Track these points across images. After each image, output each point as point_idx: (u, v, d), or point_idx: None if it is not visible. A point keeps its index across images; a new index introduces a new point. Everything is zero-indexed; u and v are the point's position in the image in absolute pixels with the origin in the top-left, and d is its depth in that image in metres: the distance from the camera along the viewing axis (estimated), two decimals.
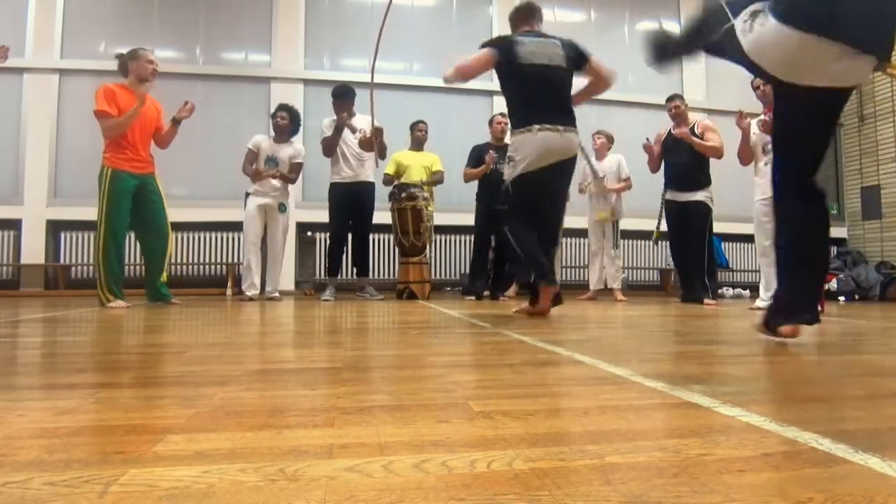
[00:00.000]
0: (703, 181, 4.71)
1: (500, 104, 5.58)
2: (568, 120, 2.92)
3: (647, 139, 4.92)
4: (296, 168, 4.83)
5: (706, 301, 4.52)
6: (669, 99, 4.92)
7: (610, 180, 5.30)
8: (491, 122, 5.20)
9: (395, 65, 6.54)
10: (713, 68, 7.02)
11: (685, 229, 4.75)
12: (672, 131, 4.81)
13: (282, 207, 4.77)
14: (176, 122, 3.99)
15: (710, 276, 4.66)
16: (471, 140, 5.28)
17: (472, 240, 5.26)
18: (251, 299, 4.55)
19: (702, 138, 4.61)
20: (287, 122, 4.80)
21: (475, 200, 5.14)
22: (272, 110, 4.99)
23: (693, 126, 4.73)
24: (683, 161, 4.66)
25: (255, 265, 4.65)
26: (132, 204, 3.76)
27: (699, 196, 4.67)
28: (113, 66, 3.95)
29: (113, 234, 3.67)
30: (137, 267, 5.38)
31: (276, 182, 4.70)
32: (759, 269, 4.20)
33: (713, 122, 4.95)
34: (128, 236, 3.88)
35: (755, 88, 3.94)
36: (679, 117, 4.81)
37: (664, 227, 4.94)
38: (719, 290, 5.41)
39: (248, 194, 4.76)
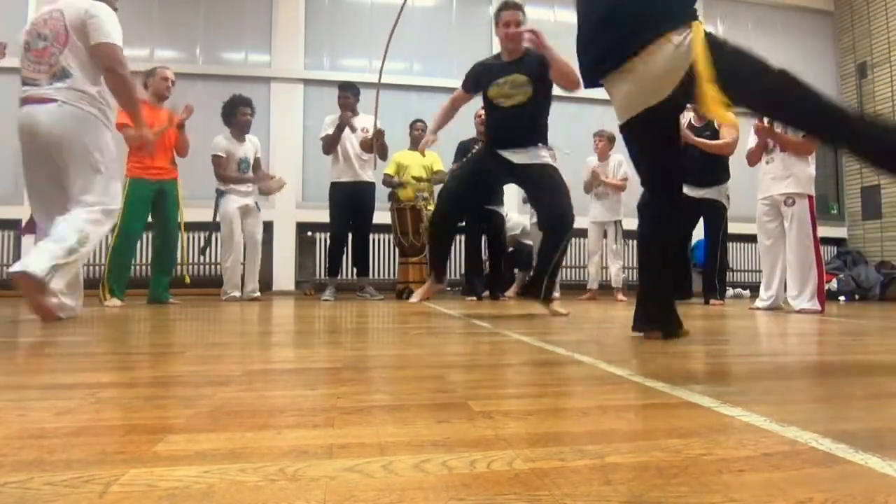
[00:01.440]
0: (721, 176, 4.51)
1: None
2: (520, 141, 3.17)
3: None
4: (260, 163, 4.90)
5: (712, 301, 4.49)
6: None
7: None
8: (475, 117, 5.12)
9: (396, 65, 6.52)
10: None
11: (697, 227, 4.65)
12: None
13: (258, 206, 4.80)
14: (179, 126, 4.04)
15: (720, 277, 4.59)
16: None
17: (464, 239, 5.21)
18: (237, 300, 4.53)
19: (718, 130, 4.44)
20: (251, 118, 4.77)
21: None
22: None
23: (711, 119, 4.60)
24: (697, 154, 4.38)
25: (239, 266, 4.65)
26: (151, 207, 3.94)
27: (714, 194, 4.51)
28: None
29: (126, 237, 3.77)
30: (138, 268, 5.38)
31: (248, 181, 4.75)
32: (759, 268, 4.18)
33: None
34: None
35: None
36: (697, 112, 4.65)
37: None
38: None
39: (220, 193, 4.65)
